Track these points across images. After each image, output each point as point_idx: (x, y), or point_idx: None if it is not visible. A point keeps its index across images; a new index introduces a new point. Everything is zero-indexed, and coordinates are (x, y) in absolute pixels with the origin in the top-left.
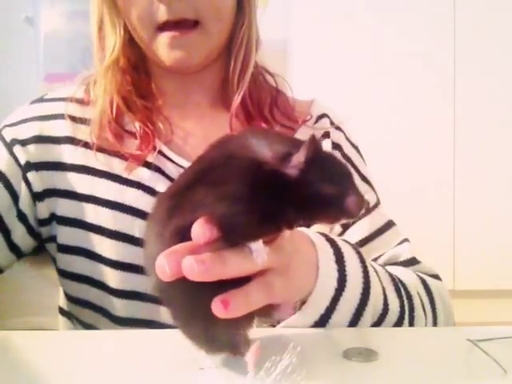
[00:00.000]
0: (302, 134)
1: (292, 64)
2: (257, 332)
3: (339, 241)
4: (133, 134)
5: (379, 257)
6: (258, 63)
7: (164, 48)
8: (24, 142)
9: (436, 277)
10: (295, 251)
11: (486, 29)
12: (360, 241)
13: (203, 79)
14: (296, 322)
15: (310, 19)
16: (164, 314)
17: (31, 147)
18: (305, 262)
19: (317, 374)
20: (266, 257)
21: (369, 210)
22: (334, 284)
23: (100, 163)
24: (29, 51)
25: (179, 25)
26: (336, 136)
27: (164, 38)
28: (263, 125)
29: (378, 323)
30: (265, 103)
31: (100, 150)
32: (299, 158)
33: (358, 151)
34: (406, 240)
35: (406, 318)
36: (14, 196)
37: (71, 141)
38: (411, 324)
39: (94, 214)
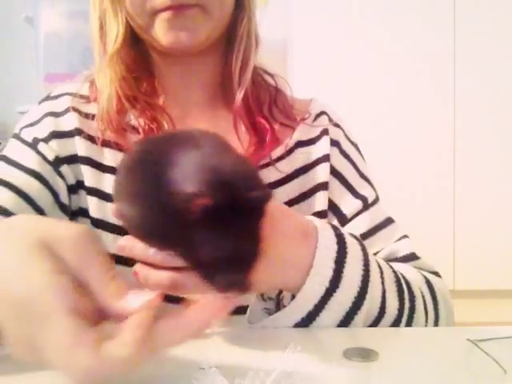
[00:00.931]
0: (301, 132)
1: (292, 63)
2: (257, 331)
3: (348, 238)
4: (136, 130)
5: (377, 253)
6: (256, 64)
7: (162, 29)
8: (45, 140)
9: (436, 274)
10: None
11: (485, 29)
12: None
13: (203, 74)
14: (283, 317)
15: (310, 19)
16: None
17: (53, 143)
18: (291, 258)
19: (317, 374)
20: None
21: (367, 207)
22: (325, 284)
23: (106, 158)
24: (29, 51)
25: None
26: (334, 133)
27: (162, 17)
28: (263, 121)
29: (372, 325)
30: (264, 102)
31: (105, 144)
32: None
33: (357, 148)
34: (405, 236)
35: (403, 320)
36: (54, 193)
37: (80, 133)
38: (409, 325)
39: (97, 208)
